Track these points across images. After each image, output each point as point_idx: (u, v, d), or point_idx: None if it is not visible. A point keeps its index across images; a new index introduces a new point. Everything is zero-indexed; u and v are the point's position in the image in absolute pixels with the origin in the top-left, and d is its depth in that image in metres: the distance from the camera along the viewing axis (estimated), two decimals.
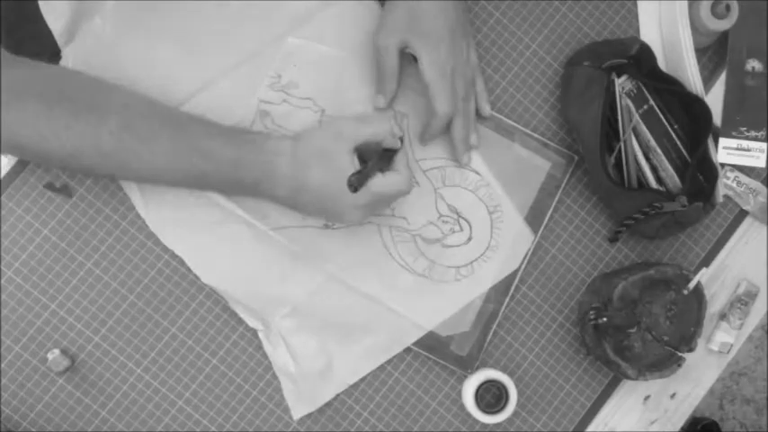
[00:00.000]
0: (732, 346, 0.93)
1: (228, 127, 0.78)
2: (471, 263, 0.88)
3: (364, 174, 0.74)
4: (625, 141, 0.87)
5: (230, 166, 0.75)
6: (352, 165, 0.74)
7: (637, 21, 0.93)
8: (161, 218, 0.83)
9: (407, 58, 0.85)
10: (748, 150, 0.91)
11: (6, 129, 0.71)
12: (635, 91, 0.89)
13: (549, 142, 0.90)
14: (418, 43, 0.81)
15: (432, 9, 0.81)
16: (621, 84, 0.88)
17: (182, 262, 0.83)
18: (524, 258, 0.89)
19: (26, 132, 0.71)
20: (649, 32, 0.93)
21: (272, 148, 0.76)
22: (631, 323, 0.86)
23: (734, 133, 0.91)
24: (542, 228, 0.89)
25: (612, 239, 0.90)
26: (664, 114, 0.89)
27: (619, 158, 0.88)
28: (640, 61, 0.87)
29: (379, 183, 0.75)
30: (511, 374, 0.88)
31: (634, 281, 0.84)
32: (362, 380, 0.86)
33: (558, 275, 0.91)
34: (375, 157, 0.77)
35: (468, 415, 0.87)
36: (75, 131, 0.71)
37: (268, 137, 0.77)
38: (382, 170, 0.76)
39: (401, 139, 0.78)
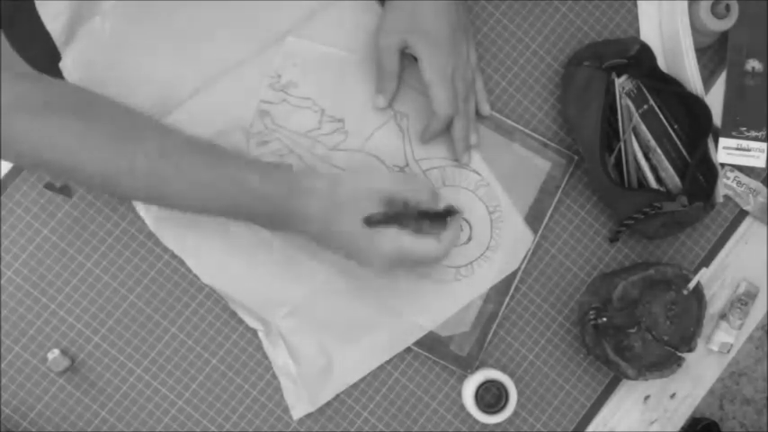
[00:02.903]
0: (732, 346, 0.93)
1: (265, 161, 0.78)
2: (471, 263, 0.88)
3: (385, 216, 0.73)
4: (625, 141, 0.87)
5: (264, 200, 0.74)
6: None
7: (637, 21, 0.93)
8: (161, 218, 0.83)
9: (408, 58, 0.85)
10: (748, 150, 0.91)
11: (39, 143, 0.68)
12: (635, 91, 0.89)
13: (549, 142, 0.90)
14: (418, 43, 0.81)
15: (432, 9, 0.81)
16: (621, 84, 0.88)
17: (182, 262, 0.83)
18: (524, 258, 0.89)
19: (59, 149, 0.69)
20: (649, 32, 0.93)
21: (306, 188, 0.74)
22: (631, 323, 0.86)
23: (734, 133, 0.91)
24: (542, 228, 0.89)
25: (612, 239, 0.90)
26: (664, 114, 0.89)
27: (619, 158, 0.88)
28: (640, 61, 0.87)
29: (412, 242, 0.74)
30: (511, 374, 0.88)
31: (634, 281, 0.84)
32: (362, 380, 0.86)
33: (558, 275, 0.91)
34: (409, 214, 0.76)
35: (468, 415, 0.87)
36: (110, 150, 0.70)
37: (304, 175, 0.76)
38: (417, 229, 0.76)
39: (464, 219, 0.79)
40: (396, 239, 0.74)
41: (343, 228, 0.74)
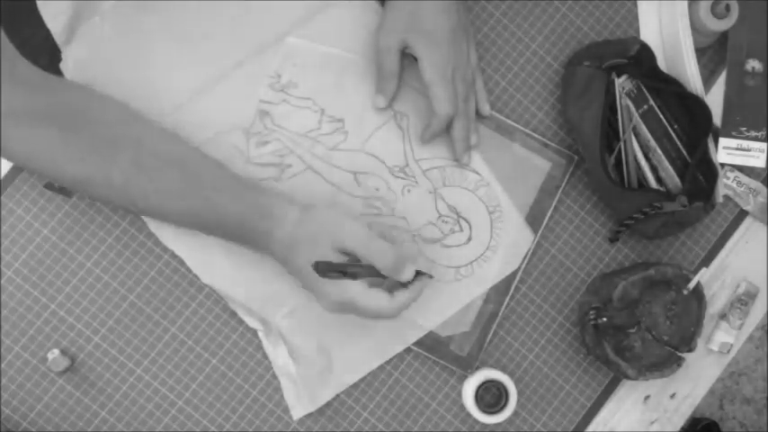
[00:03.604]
0: (732, 346, 0.93)
1: (239, 179, 0.77)
2: (471, 263, 0.88)
3: (333, 266, 0.71)
4: (625, 141, 0.87)
5: (234, 221, 0.75)
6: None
7: (637, 21, 0.93)
8: None
9: (408, 58, 0.85)
10: (748, 150, 0.91)
11: (23, 152, 0.71)
12: (635, 91, 0.89)
13: (549, 142, 0.90)
14: (419, 43, 0.81)
15: (432, 9, 0.81)
16: (621, 84, 0.88)
17: (182, 262, 0.83)
18: (524, 258, 0.89)
19: (42, 158, 0.72)
20: (649, 32, 0.93)
21: (277, 214, 0.75)
22: (631, 323, 0.86)
23: (734, 133, 0.91)
24: (542, 228, 0.89)
25: (612, 239, 0.90)
26: (664, 114, 0.89)
27: (619, 158, 0.88)
28: (640, 61, 0.87)
29: (360, 293, 0.72)
30: (511, 374, 0.88)
31: (634, 281, 0.84)
32: (362, 380, 0.86)
33: (558, 275, 0.90)
34: (364, 267, 0.73)
35: (468, 415, 0.87)
36: (87, 163, 0.72)
37: (277, 200, 0.76)
38: (375, 283, 0.73)
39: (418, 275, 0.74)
40: (343, 288, 0.72)
41: (298, 262, 0.74)
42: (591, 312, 0.84)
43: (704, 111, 0.87)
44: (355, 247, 0.72)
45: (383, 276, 0.73)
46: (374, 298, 0.73)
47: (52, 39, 0.80)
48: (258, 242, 0.76)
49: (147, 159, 0.73)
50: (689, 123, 0.90)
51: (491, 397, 0.87)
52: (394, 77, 0.84)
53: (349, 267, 0.72)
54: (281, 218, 0.75)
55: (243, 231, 0.76)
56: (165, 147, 0.76)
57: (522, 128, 0.89)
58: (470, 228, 0.88)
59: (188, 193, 0.74)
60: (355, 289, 0.72)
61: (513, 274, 0.88)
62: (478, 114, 0.88)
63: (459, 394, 0.88)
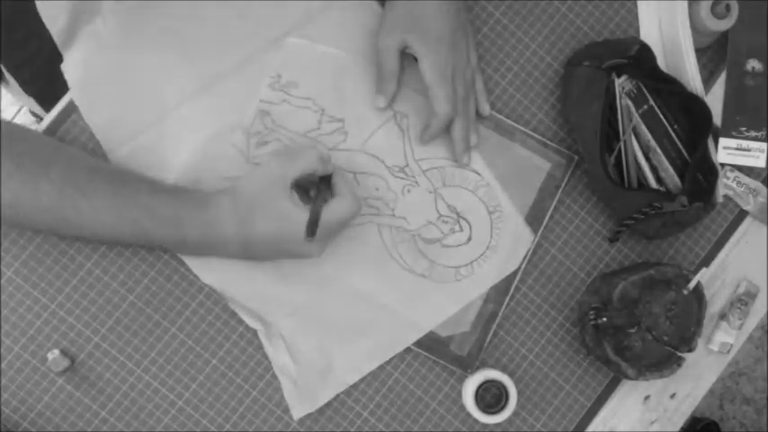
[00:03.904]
0: (732, 346, 0.93)
1: (172, 185, 0.79)
2: (471, 263, 0.88)
3: (313, 215, 0.74)
4: (625, 141, 0.87)
5: (173, 223, 0.75)
6: (292, 202, 0.74)
7: (637, 21, 0.93)
8: None
9: (408, 58, 0.85)
10: (748, 150, 0.91)
11: None
12: (635, 91, 0.89)
13: (549, 142, 0.90)
14: (418, 44, 0.81)
15: (432, 9, 0.81)
16: (621, 84, 0.88)
17: (182, 262, 0.83)
18: (524, 258, 0.89)
19: None
20: (649, 32, 0.93)
21: (213, 206, 0.75)
22: (631, 323, 0.86)
23: (734, 133, 0.91)
24: (542, 228, 0.89)
25: (612, 239, 0.90)
26: (664, 114, 0.89)
27: (619, 158, 0.88)
28: (640, 61, 0.87)
29: (325, 213, 0.75)
30: (511, 374, 0.88)
31: (634, 281, 0.84)
32: (362, 380, 0.86)
33: (558, 275, 0.90)
34: (315, 191, 0.77)
35: (469, 415, 0.87)
36: (15, 180, 0.70)
37: (206, 196, 0.77)
38: (326, 199, 0.76)
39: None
40: (323, 214, 0.75)
41: (260, 233, 0.75)
42: (591, 312, 0.84)
43: (704, 111, 0.87)
44: (297, 169, 0.75)
45: (327, 185, 0.78)
46: (336, 206, 0.75)
47: (53, 39, 0.80)
48: (206, 243, 0.76)
49: (77, 172, 0.73)
50: (689, 123, 0.90)
51: (491, 397, 0.87)
52: (394, 77, 0.84)
53: (315, 203, 0.75)
54: (218, 208, 0.75)
55: (185, 233, 0.75)
56: (95, 162, 0.76)
57: (522, 128, 0.89)
58: (470, 228, 0.88)
59: (122, 201, 0.73)
60: (326, 211, 0.75)
61: (513, 274, 0.88)
62: (478, 114, 0.88)
63: (459, 394, 0.88)
